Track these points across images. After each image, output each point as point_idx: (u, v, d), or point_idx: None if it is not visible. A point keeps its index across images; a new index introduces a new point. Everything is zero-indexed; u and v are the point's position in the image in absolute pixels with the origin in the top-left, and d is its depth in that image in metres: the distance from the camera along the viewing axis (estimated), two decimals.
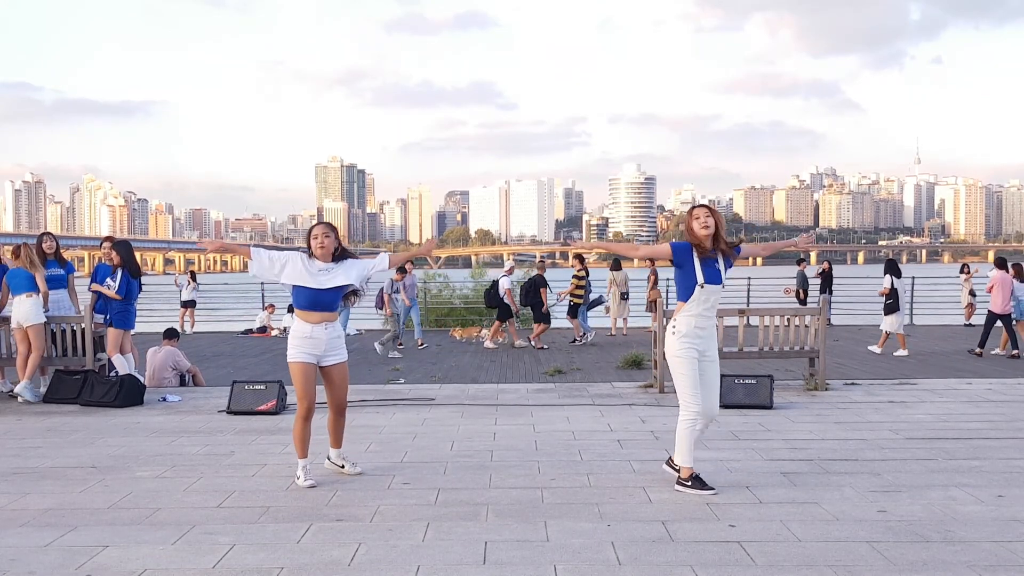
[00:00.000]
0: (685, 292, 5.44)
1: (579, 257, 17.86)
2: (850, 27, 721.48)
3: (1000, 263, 14.83)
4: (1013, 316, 14.26)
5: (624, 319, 18.98)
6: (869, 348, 15.07)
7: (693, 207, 5.62)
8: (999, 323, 14.44)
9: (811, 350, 9.80)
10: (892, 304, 14.46)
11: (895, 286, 14.45)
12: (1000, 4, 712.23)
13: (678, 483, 5.51)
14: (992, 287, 14.47)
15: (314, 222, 6.02)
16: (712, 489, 5.40)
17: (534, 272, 17.52)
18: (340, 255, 5.69)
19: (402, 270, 16.37)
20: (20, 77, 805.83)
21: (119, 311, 9.85)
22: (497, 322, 16.96)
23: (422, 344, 16.72)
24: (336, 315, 5.71)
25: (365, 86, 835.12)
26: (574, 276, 17.47)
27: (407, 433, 7.41)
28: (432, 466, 6.25)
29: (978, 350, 14.39)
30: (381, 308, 16.47)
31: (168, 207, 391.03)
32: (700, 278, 5.36)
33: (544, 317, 16.57)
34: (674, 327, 5.47)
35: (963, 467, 6.08)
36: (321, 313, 5.59)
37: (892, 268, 14.69)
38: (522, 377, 12.47)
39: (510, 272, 17.37)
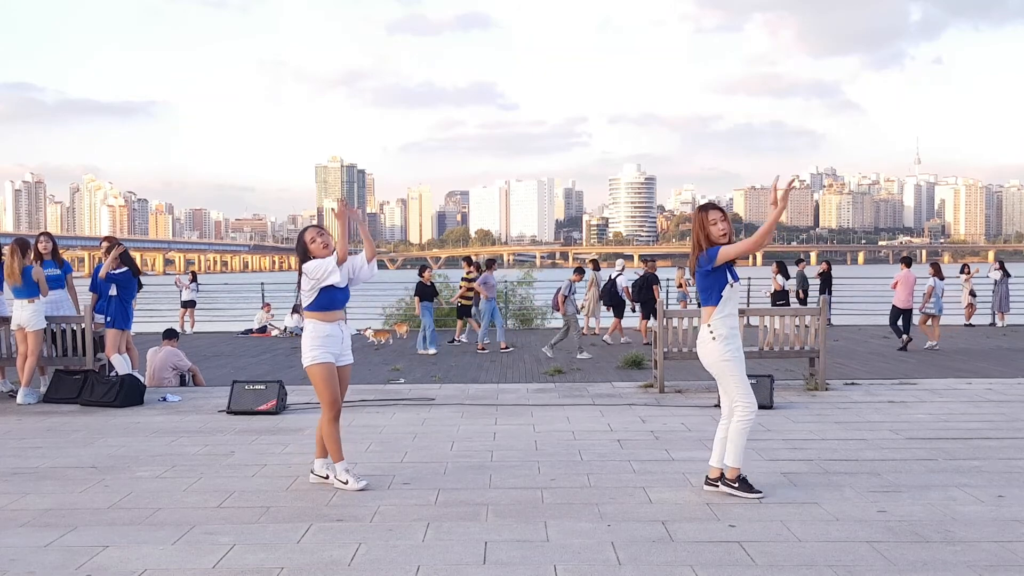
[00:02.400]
0: (716, 295, 5.30)
1: (467, 259, 18.75)
2: (850, 28, 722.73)
3: (906, 262, 16.08)
4: (931, 311, 15.59)
5: (597, 319, 19.36)
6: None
7: (707, 209, 5.38)
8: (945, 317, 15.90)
9: (811, 350, 9.80)
10: (783, 305, 15.12)
11: (786, 287, 15.55)
12: (1000, 5, 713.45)
13: (723, 482, 5.40)
14: (896, 284, 15.69)
15: (304, 227, 5.83)
16: (760, 492, 5.32)
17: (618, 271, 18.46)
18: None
19: (579, 271, 16.49)
20: (22, 77, 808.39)
21: (119, 312, 9.89)
22: (616, 319, 17.71)
23: (494, 347, 16.13)
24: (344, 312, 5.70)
25: (366, 86, 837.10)
26: (463, 279, 18.17)
27: (407, 433, 7.41)
28: (432, 466, 6.25)
29: (904, 342, 15.33)
30: (556, 310, 15.83)
31: (168, 207, 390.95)
32: (730, 276, 5.29)
33: (655, 313, 17.04)
34: (712, 332, 5.31)
35: (963, 467, 6.08)
36: (339, 311, 5.61)
37: (782, 269, 15.86)
38: (522, 377, 12.46)
39: (623, 271, 18.32)
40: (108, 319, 9.89)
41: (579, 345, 14.90)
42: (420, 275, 16.60)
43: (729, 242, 5.31)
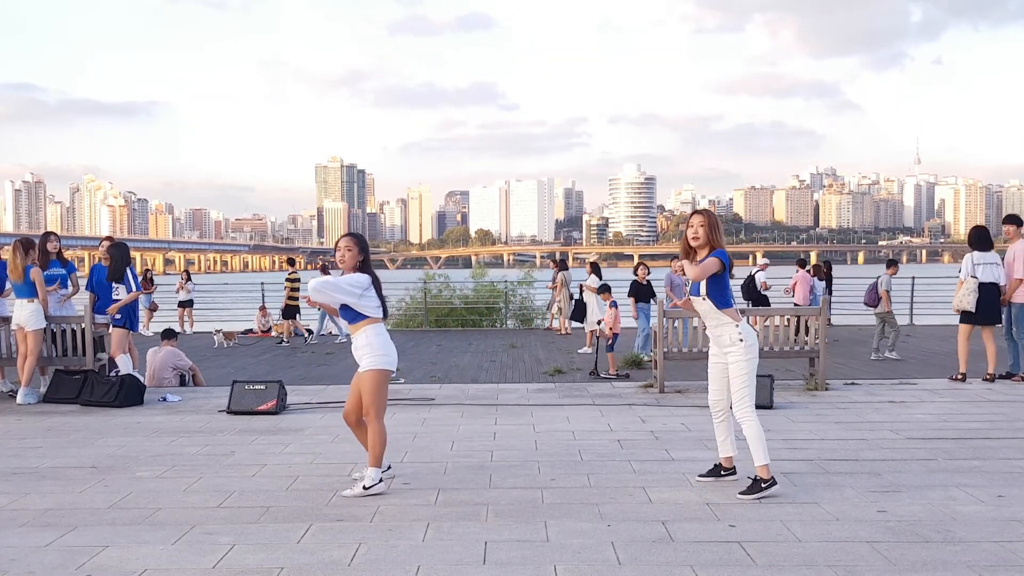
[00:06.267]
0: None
1: (290, 260, 19.29)
2: (851, 28, 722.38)
3: (801, 263, 17.24)
4: None
5: (564, 319, 19.47)
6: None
7: (690, 214, 5.65)
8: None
9: (811, 350, 9.80)
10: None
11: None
12: (999, 6, 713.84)
13: (759, 490, 5.35)
14: (795, 284, 16.73)
15: (342, 234, 5.86)
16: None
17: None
18: (363, 267, 5.58)
19: (892, 263, 15.58)
20: (25, 78, 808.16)
21: (127, 312, 9.93)
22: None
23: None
24: (360, 324, 5.51)
25: (367, 87, 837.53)
26: (287, 279, 18.57)
27: (407, 433, 7.41)
28: (432, 466, 6.25)
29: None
30: (876, 305, 14.52)
31: (168, 207, 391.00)
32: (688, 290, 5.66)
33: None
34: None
35: (963, 467, 6.08)
36: (352, 324, 5.56)
37: (596, 270, 16.50)
38: (522, 377, 12.46)
39: (764, 268, 18.37)
40: (119, 317, 9.91)
41: (885, 347, 14.19)
42: (635, 273, 15.41)
43: (697, 246, 5.51)
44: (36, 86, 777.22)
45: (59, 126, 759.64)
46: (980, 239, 10.50)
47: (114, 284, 9.92)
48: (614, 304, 12.93)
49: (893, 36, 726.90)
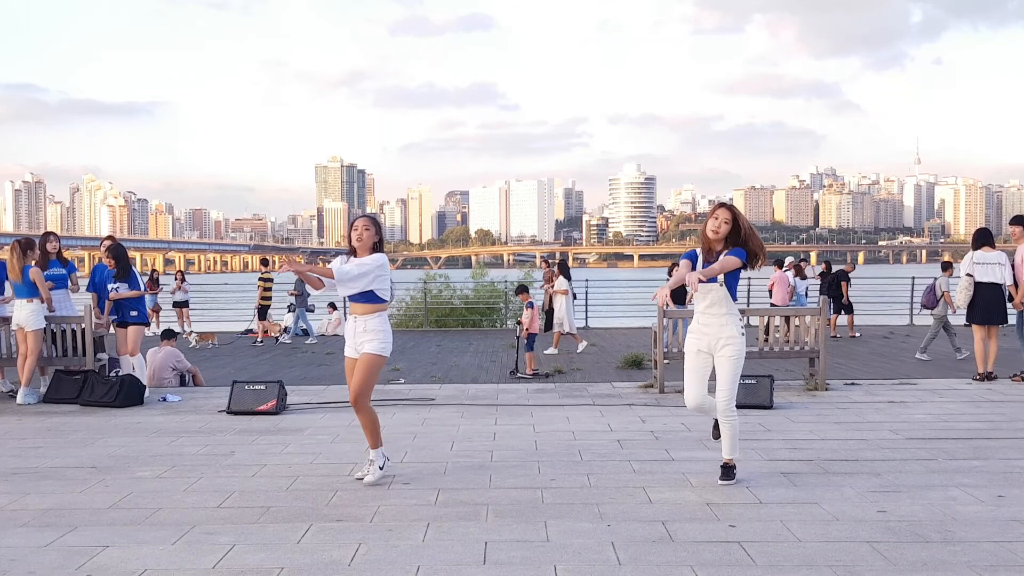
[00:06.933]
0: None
1: (264, 261, 19.92)
2: (851, 29, 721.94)
3: (779, 264, 17.76)
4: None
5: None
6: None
7: (717, 206, 5.60)
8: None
9: (811, 350, 9.80)
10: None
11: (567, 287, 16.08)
12: (999, 6, 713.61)
13: (732, 475, 5.63)
14: (773, 285, 17.10)
15: (359, 215, 6.01)
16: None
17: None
18: (378, 247, 5.74)
19: (947, 265, 14.99)
20: (26, 78, 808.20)
21: (139, 309, 9.93)
22: None
23: None
24: (375, 307, 5.63)
25: (367, 87, 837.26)
26: (260, 279, 18.88)
27: (407, 433, 7.41)
28: (432, 466, 6.25)
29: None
30: (933, 307, 14.01)
31: (168, 207, 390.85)
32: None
33: (848, 308, 18.19)
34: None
35: (963, 467, 6.08)
36: (354, 304, 5.69)
37: (564, 271, 16.50)
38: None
39: (790, 267, 18.68)
40: (135, 314, 9.89)
41: (956, 346, 13.97)
42: (669, 275, 14.90)
43: (712, 238, 5.48)
44: (36, 86, 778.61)
45: (59, 126, 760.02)
46: (979, 239, 10.52)
47: (114, 284, 9.90)
48: (531, 304, 13.25)
49: (893, 36, 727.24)
